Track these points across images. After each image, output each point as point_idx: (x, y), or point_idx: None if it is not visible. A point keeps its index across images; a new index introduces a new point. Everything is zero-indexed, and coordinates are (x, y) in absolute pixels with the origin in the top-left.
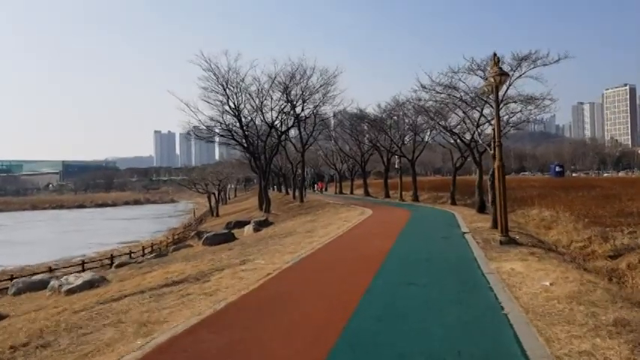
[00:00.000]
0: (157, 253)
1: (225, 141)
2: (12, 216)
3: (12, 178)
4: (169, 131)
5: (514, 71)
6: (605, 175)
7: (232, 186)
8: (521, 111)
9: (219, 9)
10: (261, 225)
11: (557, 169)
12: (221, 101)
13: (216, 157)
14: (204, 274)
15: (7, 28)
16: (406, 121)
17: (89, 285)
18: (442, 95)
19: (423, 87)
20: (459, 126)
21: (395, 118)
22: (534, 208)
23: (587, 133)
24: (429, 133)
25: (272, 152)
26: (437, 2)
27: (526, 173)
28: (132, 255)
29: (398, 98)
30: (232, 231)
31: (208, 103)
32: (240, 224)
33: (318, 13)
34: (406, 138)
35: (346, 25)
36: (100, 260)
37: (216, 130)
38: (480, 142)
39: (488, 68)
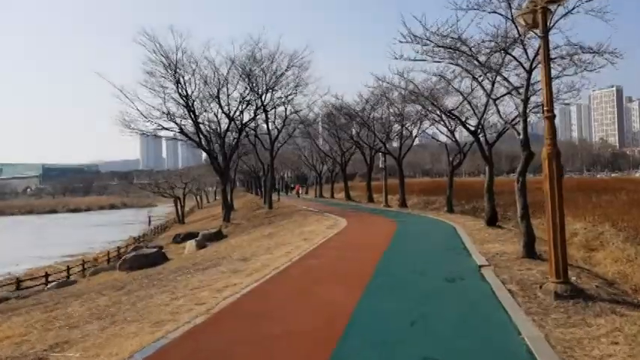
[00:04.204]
0: (64, 281)
1: (173, 135)
2: None
3: None
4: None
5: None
6: (599, 176)
7: (213, 189)
8: (559, 75)
9: None
10: (209, 239)
11: None
12: (163, 86)
13: (203, 159)
14: None
15: None
16: (391, 110)
17: None
18: (442, 56)
19: (415, 37)
20: (458, 109)
21: (380, 111)
22: None
23: (575, 134)
24: (418, 125)
25: (232, 150)
26: None
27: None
28: (48, 279)
29: (382, 83)
30: (182, 245)
31: (153, 90)
32: (191, 237)
33: None
34: (391, 134)
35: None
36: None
37: (163, 124)
38: (502, 121)
39: None
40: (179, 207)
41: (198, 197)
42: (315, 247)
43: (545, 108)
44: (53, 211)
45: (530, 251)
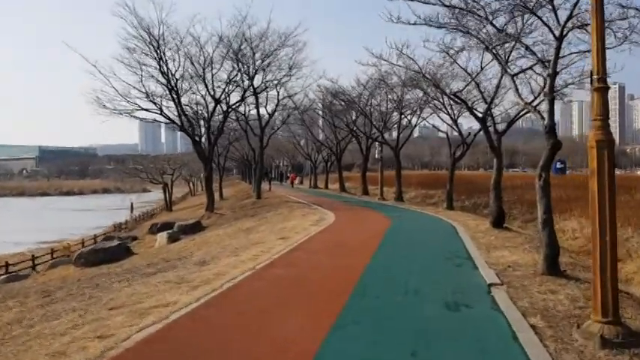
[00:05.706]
0: (14, 275)
1: (150, 117)
2: None
3: None
4: (155, 119)
5: None
6: None
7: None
8: (589, 50)
9: None
10: (185, 231)
11: (559, 165)
12: (141, 63)
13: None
14: None
15: None
16: (390, 97)
17: None
18: (448, 22)
19: None
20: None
21: (378, 98)
22: (568, 219)
23: (575, 131)
24: (418, 114)
25: (217, 134)
26: None
27: (516, 169)
28: (8, 269)
29: (378, 60)
30: (156, 236)
31: (129, 66)
32: (168, 228)
33: None
34: (389, 123)
35: None
36: None
37: (140, 103)
38: (521, 102)
39: None
40: (167, 194)
41: (191, 184)
42: (290, 248)
43: (594, 76)
44: (45, 194)
45: (552, 266)
